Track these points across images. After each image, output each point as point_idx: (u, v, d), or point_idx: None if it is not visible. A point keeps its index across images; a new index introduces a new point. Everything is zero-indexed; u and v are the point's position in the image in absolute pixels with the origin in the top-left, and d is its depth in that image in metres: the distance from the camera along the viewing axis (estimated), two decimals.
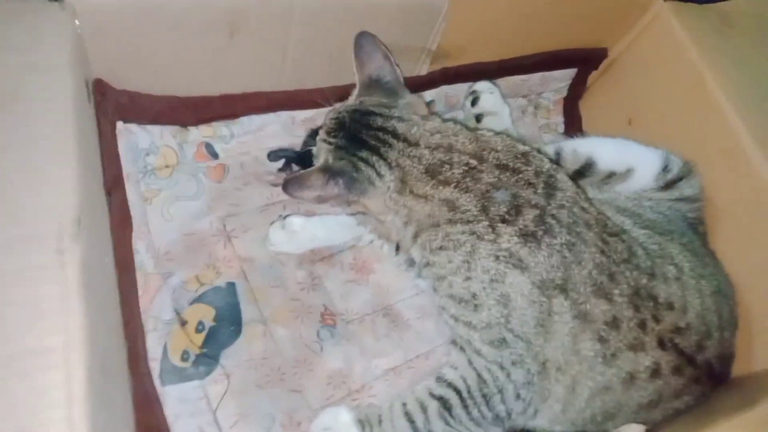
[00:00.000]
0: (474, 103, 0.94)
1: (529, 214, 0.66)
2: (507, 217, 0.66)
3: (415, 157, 0.69)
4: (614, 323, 0.66)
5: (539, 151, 0.74)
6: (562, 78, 1.09)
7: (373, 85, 0.76)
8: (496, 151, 0.69)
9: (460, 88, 1.02)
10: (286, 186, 0.72)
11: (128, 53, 0.75)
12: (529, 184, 0.68)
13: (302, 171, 0.74)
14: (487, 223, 0.66)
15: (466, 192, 0.67)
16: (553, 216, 0.66)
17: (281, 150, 0.91)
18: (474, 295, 0.66)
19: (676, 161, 0.83)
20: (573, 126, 1.11)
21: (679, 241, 0.75)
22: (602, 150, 0.82)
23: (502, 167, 0.68)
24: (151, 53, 0.76)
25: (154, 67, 0.79)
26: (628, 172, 0.81)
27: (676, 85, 0.94)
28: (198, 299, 0.77)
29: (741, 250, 0.84)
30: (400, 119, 0.72)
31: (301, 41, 0.82)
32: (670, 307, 0.68)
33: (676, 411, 0.71)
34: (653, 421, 0.71)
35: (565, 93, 1.12)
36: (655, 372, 0.67)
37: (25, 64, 0.61)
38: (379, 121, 0.72)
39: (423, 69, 0.97)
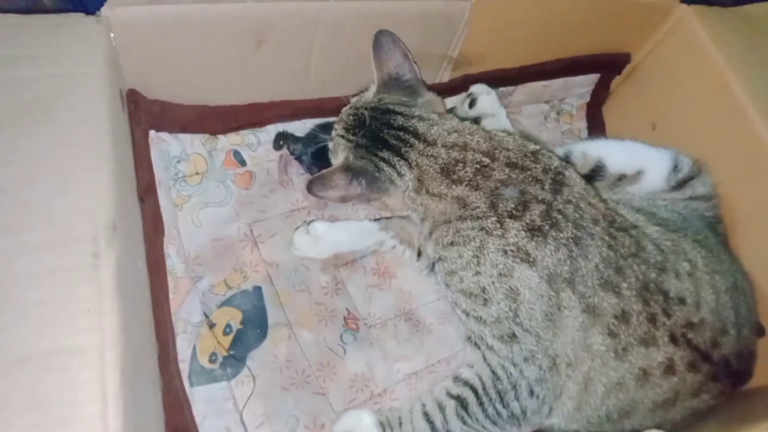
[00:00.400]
0: (471, 105, 0.95)
1: (536, 209, 0.67)
2: (515, 212, 0.67)
3: (432, 156, 0.71)
4: (623, 317, 0.66)
5: (549, 150, 0.75)
6: (584, 83, 1.09)
7: (392, 83, 0.78)
8: (507, 150, 0.71)
9: None
10: (310, 186, 0.74)
11: (160, 64, 0.78)
12: (537, 180, 0.69)
13: (325, 171, 0.75)
14: (495, 218, 0.67)
15: (477, 189, 0.69)
16: (559, 211, 0.67)
17: (283, 136, 0.92)
18: (483, 290, 0.67)
19: (686, 160, 0.83)
20: (596, 131, 1.11)
21: (693, 238, 0.75)
22: (612, 152, 0.82)
23: (512, 165, 0.70)
24: (181, 64, 0.79)
25: (185, 77, 0.81)
26: (638, 174, 0.81)
27: (701, 90, 0.93)
28: (226, 302, 0.79)
29: (766, 255, 0.83)
30: (420, 118, 0.74)
31: (325, 50, 0.84)
32: (682, 302, 0.68)
33: (695, 411, 0.71)
34: (671, 420, 0.71)
35: (587, 98, 1.12)
36: (669, 368, 0.67)
37: (63, 75, 0.64)
38: (400, 120, 0.73)
39: (445, 76, 0.98)
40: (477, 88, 0.96)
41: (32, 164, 0.57)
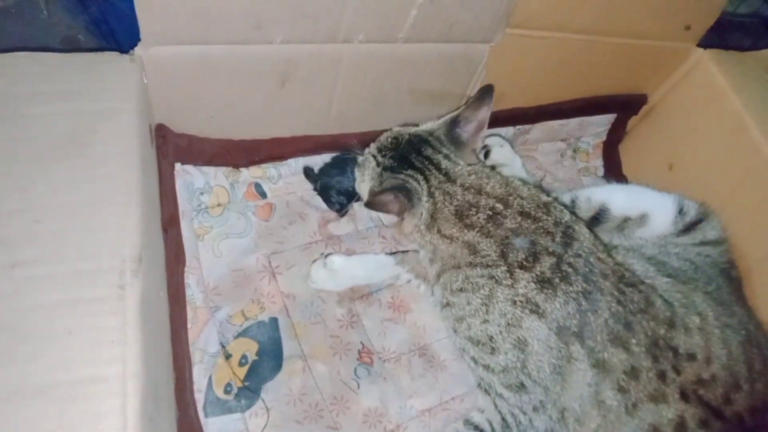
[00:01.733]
0: (486, 156, 0.98)
1: (546, 262, 0.67)
2: (525, 263, 0.68)
3: (448, 194, 0.73)
4: (633, 373, 0.65)
5: (562, 203, 0.76)
6: (600, 123, 1.10)
7: (451, 126, 0.80)
8: (521, 198, 0.72)
9: (499, 132, 1.05)
10: (368, 204, 0.77)
11: (188, 100, 0.81)
12: (548, 232, 0.70)
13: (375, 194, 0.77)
14: (505, 268, 0.68)
15: (488, 237, 0.70)
16: (569, 264, 0.68)
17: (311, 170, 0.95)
18: (491, 338, 0.68)
19: (692, 204, 0.83)
20: (613, 170, 1.12)
21: (704, 290, 0.74)
22: (615, 196, 0.84)
23: (524, 214, 0.71)
24: (208, 100, 0.82)
25: (211, 113, 0.84)
26: (643, 218, 0.82)
27: (718, 132, 0.94)
28: (242, 333, 0.80)
29: None
30: (447, 157, 0.77)
31: (347, 89, 0.87)
32: (692, 358, 0.67)
33: None
34: None
35: (604, 137, 1.13)
36: (680, 425, 0.66)
37: (97, 111, 0.67)
38: (429, 152, 0.77)
39: None
40: (491, 141, 0.99)
41: (64, 196, 0.60)
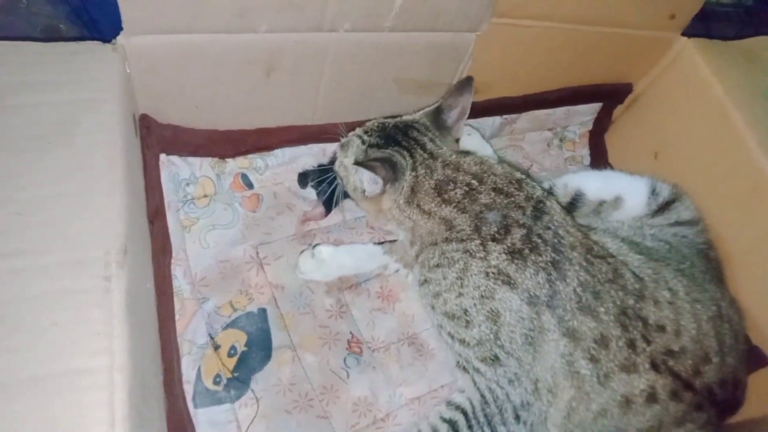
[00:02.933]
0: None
1: (517, 233, 0.70)
2: (497, 236, 0.70)
3: (429, 169, 0.76)
4: (603, 341, 0.67)
5: (534, 180, 0.79)
6: (587, 112, 1.11)
7: (436, 113, 0.83)
8: (495, 175, 0.75)
9: (485, 122, 1.05)
10: (359, 163, 0.77)
11: (172, 90, 0.80)
12: (520, 206, 0.72)
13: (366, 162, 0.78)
14: (479, 241, 0.70)
15: (463, 212, 0.72)
16: (539, 236, 0.70)
17: (306, 174, 0.94)
18: (465, 311, 0.69)
19: (664, 185, 0.86)
20: (599, 158, 1.12)
21: (676, 267, 0.76)
22: (590, 181, 0.87)
23: (497, 190, 0.73)
24: (193, 90, 0.81)
25: (196, 103, 0.83)
26: (617, 200, 0.85)
27: (702, 121, 0.95)
28: (231, 324, 0.80)
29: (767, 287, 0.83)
30: (432, 140, 0.80)
31: (334, 79, 0.87)
32: (662, 329, 0.69)
33: None
34: None
35: (590, 126, 1.14)
36: (652, 396, 0.67)
37: (79, 101, 0.66)
38: (415, 134, 0.80)
39: None
40: None
41: (48, 188, 0.59)
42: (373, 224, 0.93)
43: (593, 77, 1.04)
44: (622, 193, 0.85)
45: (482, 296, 0.68)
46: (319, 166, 0.95)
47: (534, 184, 0.76)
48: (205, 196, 0.88)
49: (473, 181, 0.74)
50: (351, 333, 0.84)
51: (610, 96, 1.08)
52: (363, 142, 0.80)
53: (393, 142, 0.78)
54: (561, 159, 1.12)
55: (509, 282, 0.68)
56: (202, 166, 0.89)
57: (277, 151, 0.94)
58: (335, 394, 0.79)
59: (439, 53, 0.89)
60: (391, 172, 0.75)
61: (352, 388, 0.80)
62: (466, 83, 0.82)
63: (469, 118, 1.02)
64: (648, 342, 0.68)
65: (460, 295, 0.70)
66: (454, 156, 0.77)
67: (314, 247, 0.86)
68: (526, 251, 0.68)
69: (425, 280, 0.74)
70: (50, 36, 0.75)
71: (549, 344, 0.67)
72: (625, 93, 1.08)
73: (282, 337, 0.81)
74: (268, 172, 0.93)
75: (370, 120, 0.90)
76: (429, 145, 0.78)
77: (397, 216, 0.78)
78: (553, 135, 1.12)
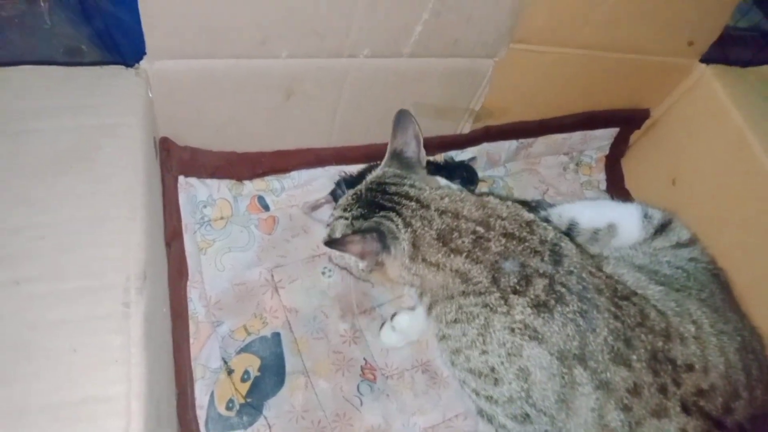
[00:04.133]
0: None
1: (539, 284, 0.65)
2: (518, 287, 0.65)
3: (426, 219, 0.70)
4: (636, 390, 0.64)
5: (542, 220, 0.75)
6: (604, 137, 1.10)
7: (396, 157, 0.79)
8: (502, 219, 0.70)
9: (502, 146, 1.05)
10: (328, 244, 0.72)
11: (192, 113, 0.81)
12: (536, 252, 0.68)
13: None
14: (498, 294, 0.65)
15: (477, 263, 0.67)
16: (562, 284, 0.66)
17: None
18: (493, 369, 0.65)
19: (655, 210, 0.85)
20: (615, 183, 1.12)
21: (697, 297, 0.74)
22: (582, 211, 0.87)
23: (508, 236, 0.69)
24: (212, 113, 0.82)
25: (215, 126, 0.84)
26: (611, 227, 0.84)
27: (720, 148, 0.94)
28: (244, 348, 0.79)
29: None
30: (412, 186, 0.74)
31: (351, 102, 0.87)
32: (690, 368, 0.66)
33: None
34: None
35: (607, 151, 1.13)
36: None
37: (101, 125, 0.67)
38: (393, 188, 0.74)
39: (466, 127, 1.00)
40: None
41: (70, 212, 0.59)
42: (392, 291, 0.91)
43: (610, 102, 1.04)
44: (614, 220, 0.84)
45: (509, 353, 0.64)
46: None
47: (545, 225, 0.72)
48: (222, 218, 0.89)
49: (479, 228, 0.69)
50: (365, 359, 0.83)
51: (627, 121, 1.08)
52: (347, 219, 0.74)
53: (376, 207, 0.73)
54: (577, 183, 1.11)
55: (537, 337, 0.64)
56: (219, 188, 0.89)
57: (294, 174, 0.94)
58: (348, 422, 0.78)
59: (457, 79, 0.89)
60: (378, 244, 0.70)
61: (365, 416, 0.79)
62: (402, 116, 0.78)
63: (485, 141, 1.03)
64: (678, 385, 0.65)
65: (484, 352, 0.66)
66: (447, 200, 0.72)
67: (392, 318, 0.86)
68: (552, 302, 0.64)
69: (443, 336, 0.70)
70: (72, 58, 0.76)
71: (581, 399, 0.64)
72: (642, 118, 1.07)
73: (295, 362, 0.80)
74: (284, 194, 0.94)
75: (384, 144, 0.91)
76: (413, 192, 0.73)
77: (407, 277, 0.72)
78: (569, 159, 1.12)
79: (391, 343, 0.86)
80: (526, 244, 0.68)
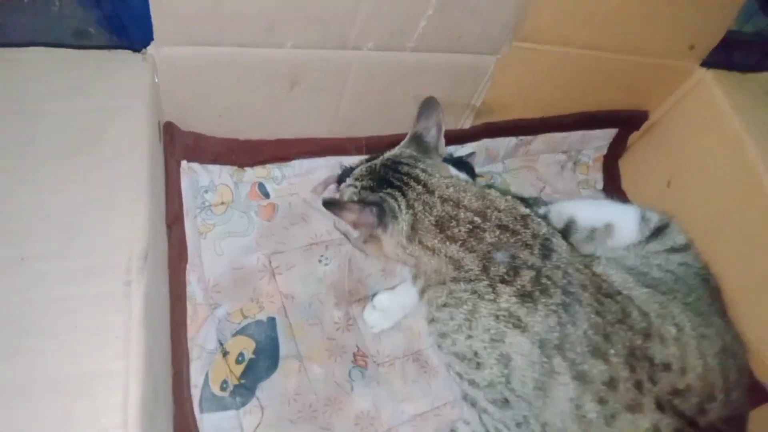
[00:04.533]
0: None
1: (526, 275, 0.68)
2: (506, 277, 0.68)
3: (427, 204, 0.74)
4: (611, 383, 0.66)
5: (538, 215, 0.77)
6: (602, 137, 1.11)
7: (415, 140, 0.83)
8: (499, 211, 0.73)
9: (501, 142, 1.06)
10: (326, 204, 0.77)
11: (197, 99, 0.82)
12: (527, 245, 0.71)
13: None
14: (487, 282, 0.69)
15: (471, 252, 0.70)
16: (548, 277, 0.69)
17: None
18: (476, 353, 0.69)
19: (653, 213, 0.87)
20: (612, 183, 1.13)
21: (682, 300, 0.76)
22: (582, 209, 0.89)
23: (502, 228, 0.72)
24: (217, 100, 0.83)
25: (219, 112, 0.85)
26: (609, 227, 0.86)
27: (717, 152, 0.95)
28: (240, 331, 0.81)
29: None
30: (424, 170, 0.78)
31: (355, 95, 0.88)
32: (667, 368, 0.69)
33: None
34: None
35: (605, 151, 1.14)
36: None
37: (108, 108, 0.68)
38: (405, 168, 0.78)
39: (467, 123, 1.02)
40: None
41: (76, 193, 0.61)
42: (385, 265, 0.92)
43: (610, 103, 1.05)
44: (612, 220, 0.86)
45: (492, 339, 0.68)
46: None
47: (539, 220, 0.75)
48: (223, 203, 0.90)
49: (476, 218, 0.72)
50: (357, 346, 0.85)
51: (625, 122, 1.09)
52: (356, 188, 0.79)
53: (385, 183, 0.76)
54: (574, 182, 1.12)
55: (520, 326, 0.67)
56: (221, 173, 0.90)
57: (295, 162, 0.95)
58: (339, 407, 0.80)
59: (460, 74, 0.90)
60: (375, 218, 0.73)
61: (355, 401, 0.81)
62: (429, 103, 0.82)
63: (485, 137, 1.05)
64: (654, 382, 0.68)
65: (470, 336, 0.69)
66: (452, 189, 0.75)
67: (372, 298, 0.87)
68: (537, 293, 0.67)
69: (432, 319, 0.74)
70: (80, 41, 0.77)
71: (559, 388, 0.67)
72: (641, 120, 1.09)
73: (290, 347, 0.82)
74: (285, 182, 0.95)
75: (390, 135, 0.92)
76: (423, 177, 0.76)
77: (401, 256, 0.76)
78: (567, 158, 1.13)
79: (373, 321, 0.87)
80: (519, 236, 0.71)
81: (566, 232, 0.85)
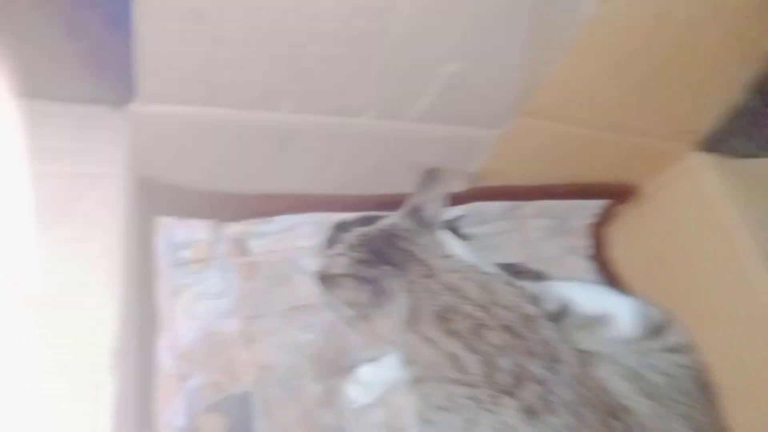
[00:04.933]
0: None
1: (533, 389, 0.65)
2: (511, 389, 0.65)
3: (428, 291, 0.70)
4: None
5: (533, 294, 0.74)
6: (591, 207, 1.10)
7: (413, 212, 0.79)
8: (503, 308, 0.70)
9: (491, 206, 1.04)
10: (321, 280, 0.72)
11: (179, 155, 0.77)
12: (534, 355, 0.68)
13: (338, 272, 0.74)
14: (491, 392, 0.65)
15: (473, 352, 0.67)
16: (555, 393, 0.66)
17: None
18: None
19: (654, 309, 0.84)
20: (599, 251, 1.12)
21: (684, 414, 0.74)
22: (580, 294, 0.84)
23: (508, 330, 0.68)
24: (200, 157, 0.78)
25: (201, 168, 0.80)
26: (605, 317, 0.81)
27: (705, 239, 0.94)
28: (212, 407, 0.76)
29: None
30: (425, 249, 0.74)
31: (347, 155, 0.84)
32: None
33: None
34: None
35: (594, 219, 1.13)
36: None
37: (83, 174, 0.63)
38: (402, 243, 0.74)
39: (459, 187, 0.99)
40: None
41: (44, 276, 0.55)
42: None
43: (603, 175, 1.04)
44: (611, 310, 0.82)
45: None
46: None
47: (547, 324, 0.72)
48: (199, 261, 0.85)
49: (479, 314, 0.69)
50: (337, 425, 0.81)
51: (617, 195, 1.08)
52: (351, 259, 0.74)
53: (382, 258, 0.73)
54: (562, 249, 1.11)
55: None
56: (199, 228, 0.85)
57: (278, 218, 0.91)
58: None
59: (457, 145, 0.87)
60: (371, 298, 0.70)
61: None
62: (432, 175, 0.78)
63: (474, 200, 1.02)
64: None
65: None
66: (454, 276, 0.72)
67: (355, 371, 0.83)
68: (542, 411, 0.65)
69: (426, 420, 0.70)
70: (60, 95, 0.71)
71: None
72: (633, 194, 1.08)
73: (264, 428, 0.77)
74: (268, 238, 0.90)
75: (378, 195, 0.89)
76: (421, 255, 0.73)
77: (395, 341, 0.72)
78: (556, 224, 1.11)
79: (356, 396, 0.82)
80: (525, 342, 0.67)
81: (560, 315, 0.81)
